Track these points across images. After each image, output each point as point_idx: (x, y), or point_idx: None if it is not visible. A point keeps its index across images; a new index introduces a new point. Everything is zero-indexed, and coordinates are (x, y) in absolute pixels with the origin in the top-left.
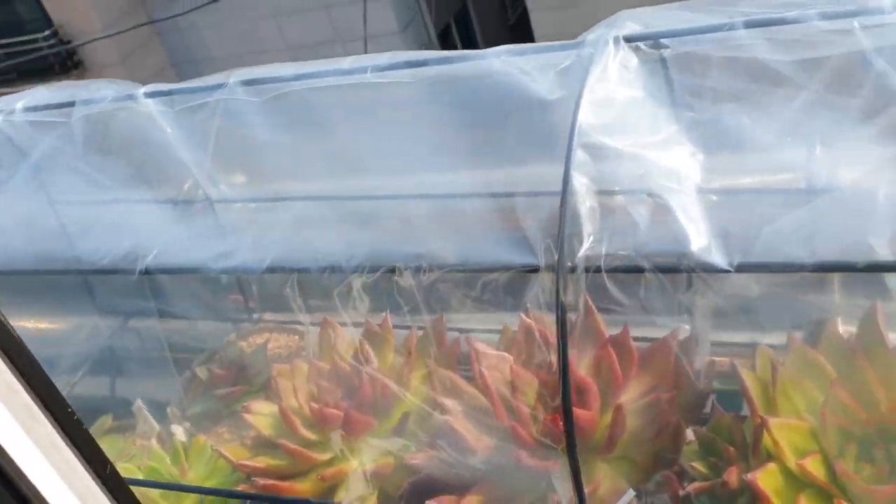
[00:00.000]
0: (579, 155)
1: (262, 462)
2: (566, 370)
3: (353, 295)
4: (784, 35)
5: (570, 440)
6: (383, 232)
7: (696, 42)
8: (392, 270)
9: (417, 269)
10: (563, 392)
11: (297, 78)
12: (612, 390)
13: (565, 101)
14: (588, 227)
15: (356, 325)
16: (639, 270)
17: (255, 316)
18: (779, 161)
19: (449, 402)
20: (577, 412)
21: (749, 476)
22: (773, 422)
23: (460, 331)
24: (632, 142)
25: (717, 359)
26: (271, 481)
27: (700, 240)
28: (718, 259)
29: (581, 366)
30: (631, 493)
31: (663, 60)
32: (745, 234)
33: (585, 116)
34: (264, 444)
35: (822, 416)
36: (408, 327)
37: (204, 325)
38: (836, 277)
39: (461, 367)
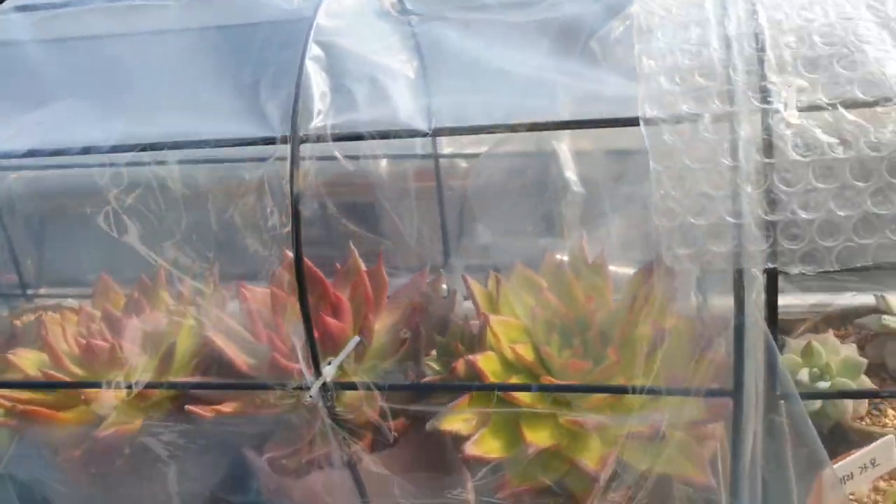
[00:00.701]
0: (315, 49)
1: (25, 395)
2: (297, 222)
3: (109, 174)
4: None
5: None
6: (136, 116)
7: None
8: (143, 149)
9: (173, 147)
10: (295, 244)
11: (67, 4)
12: (364, 310)
13: (306, 9)
14: (319, 106)
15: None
16: (360, 138)
17: (30, 292)
18: (494, 72)
19: (217, 335)
20: (330, 322)
21: (470, 357)
22: (492, 318)
23: None
24: (360, 45)
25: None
26: (34, 407)
27: (406, 112)
28: (419, 124)
29: (343, 294)
30: (356, 339)
31: None
32: (451, 113)
33: (322, 20)
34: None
35: (532, 313)
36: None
37: None
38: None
39: None
